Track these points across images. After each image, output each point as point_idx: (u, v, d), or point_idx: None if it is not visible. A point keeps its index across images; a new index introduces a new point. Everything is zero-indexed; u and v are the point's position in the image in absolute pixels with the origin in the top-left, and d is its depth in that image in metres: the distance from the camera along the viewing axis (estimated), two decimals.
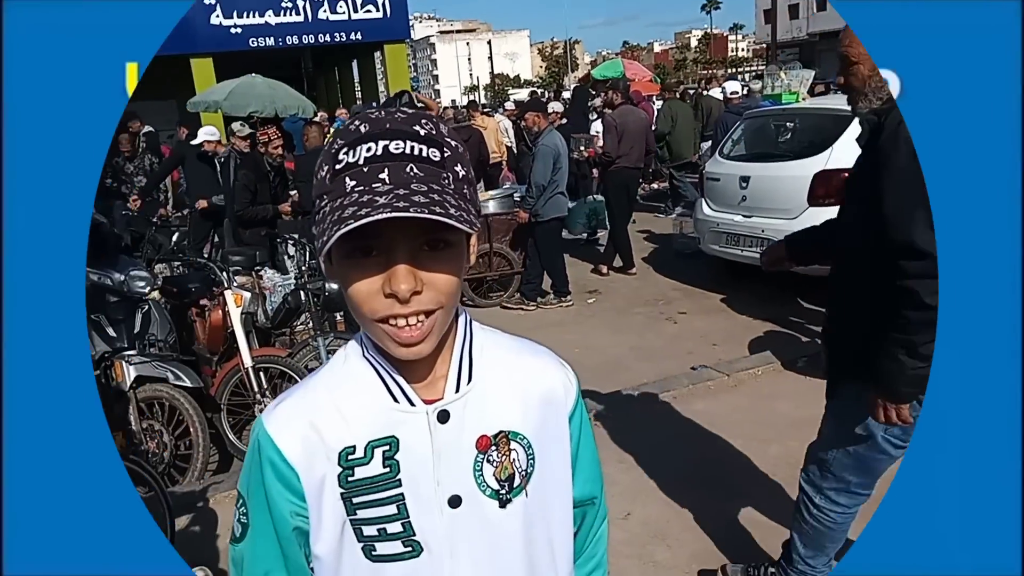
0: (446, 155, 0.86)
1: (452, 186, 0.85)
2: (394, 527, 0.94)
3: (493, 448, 0.96)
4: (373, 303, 0.86)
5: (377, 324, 0.87)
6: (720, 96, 10.25)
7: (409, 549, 0.95)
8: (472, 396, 0.96)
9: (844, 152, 5.93)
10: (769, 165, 6.64)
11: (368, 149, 0.84)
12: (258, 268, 5.36)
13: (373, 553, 0.95)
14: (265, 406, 3.83)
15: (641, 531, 3.22)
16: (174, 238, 4.96)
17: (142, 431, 3.96)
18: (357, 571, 0.96)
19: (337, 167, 0.85)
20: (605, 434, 4.15)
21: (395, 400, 0.94)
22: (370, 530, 0.94)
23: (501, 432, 0.97)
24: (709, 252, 7.21)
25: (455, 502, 0.95)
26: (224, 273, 4.56)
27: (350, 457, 0.94)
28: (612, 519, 3.29)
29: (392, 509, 0.94)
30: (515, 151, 11.92)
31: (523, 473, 0.98)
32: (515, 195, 7.44)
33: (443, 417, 0.94)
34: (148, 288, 4.29)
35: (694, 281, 7.32)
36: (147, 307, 4.38)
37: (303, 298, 4.85)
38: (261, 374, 4.38)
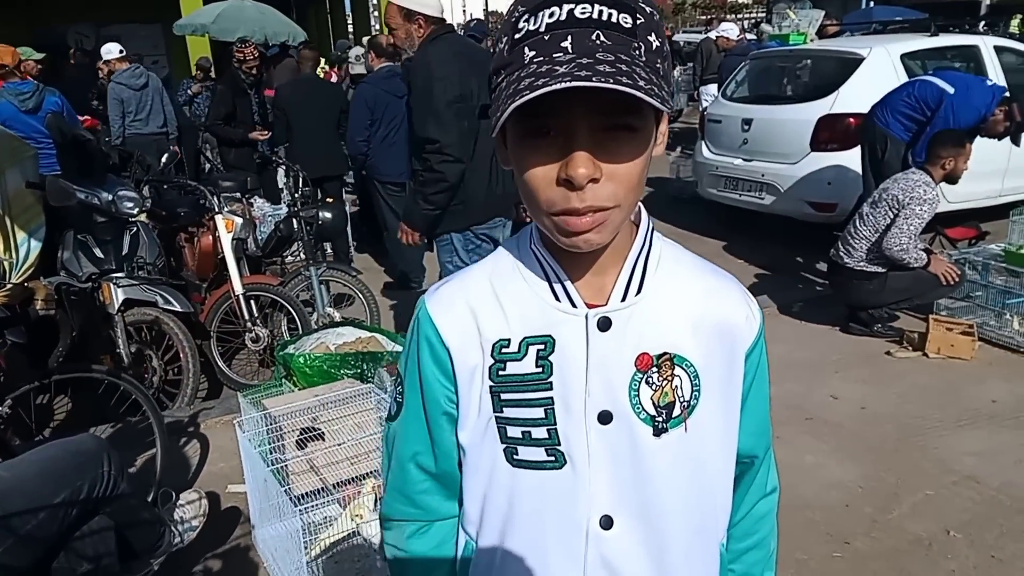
0: (639, 22, 0.76)
1: (643, 57, 0.75)
2: (539, 432, 0.89)
3: (654, 369, 0.88)
4: (549, 193, 0.78)
5: (550, 217, 0.80)
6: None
7: (552, 459, 0.89)
8: (639, 309, 0.88)
9: (851, 96, 5.83)
10: (773, 108, 6.52)
11: (551, 15, 0.75)
12: (248, 196, 5.22)
13: (515, 457, 0.91)
14: (255, 335, 3.77)
15: None
16: (163, 159, 4.78)
17: (130, 355, 3.89)
18: (496, 474, 0.92)
19: (516, 36, 0.77)
20: None
21: (556, 299, 0.88)
22: (514, 431, 0.90)
23: (666, 354, 0.88)
24: (707, 196, 7.12)
25: (605, 418, 0.88)
26: (215, 197, 4.44)
27: (504, 350, 0.89)
28: None
29: (539, 413, 0.89)
30: None
31: (685, 404, 0.89)
32: None
33: (604, 325, 0.87)
34: (136, 209, 4.14)
35: (690, 226, 7.25)
36: (135, 229, 4.23)
37: (295, 226, 4.73)
38: (252, 302, 4.30)
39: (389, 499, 1.03)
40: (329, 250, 5.48)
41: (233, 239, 4.37)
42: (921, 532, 2.72)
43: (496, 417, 0.91)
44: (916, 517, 2.81)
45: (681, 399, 0.89)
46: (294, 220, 4.75)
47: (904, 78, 5.68)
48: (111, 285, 3.89)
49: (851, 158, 5.57)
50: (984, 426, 3.45)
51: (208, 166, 8.07)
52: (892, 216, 4.28)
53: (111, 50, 7.79)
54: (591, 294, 0.89)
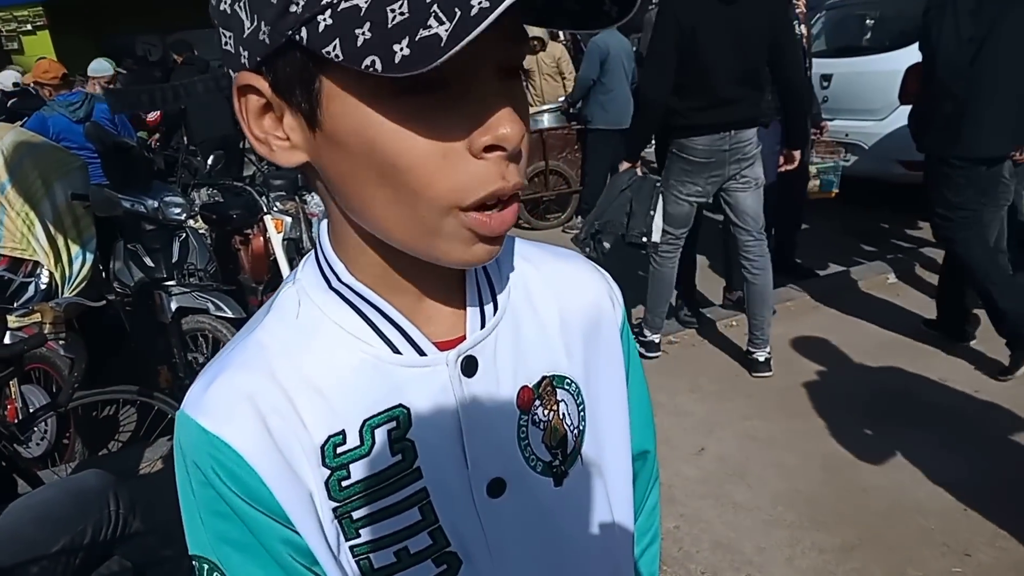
0: None
1: None
2: (420, 542, 0.62)
3: (538, 403, 0.65)
4: (459, 174, 0.51)
5: (460, 214, 0.53)
6: None
7: (444, 567, 0.63)
8: (504, 331, 0.65)
9: None
10: (854, 60, 6.00)
11: None
12: (302, 192, 5.09)
13: None
14: None
15: (716, 468, 2.89)
16: (210, 161, 4.68)
17: (185, 364, 3.80)
18: None
19: None
20: (674, 361, 3.82)
21: (394, 350, 0.61)
22: (384, 557, 0.62)
23: (544, 378, 0.66)
24: None
25: (496, 489, 0.64)
26: (263, 198, 4.31)
27: (340, 449, 0.60)
28: (684, 455, 2.95)
29: (414, 515, 0.62)
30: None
31: (576, 432, 0.69)
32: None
33: (469, 367, 0.62)
34: (184, 215, 4.05)
35: None
36: (184, 235, 4.14)
37: None
38: None
39: None
40: None
41: (284, 239, 4.25)
42: None
43: (352, 548, 0.61)
44: None
45: (571, 428, 0.69)
46: None
47: None
48: (162, 294, 3.80)
49: None
50: None
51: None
52: None
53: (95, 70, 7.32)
54: (439, 330, 0.63)
